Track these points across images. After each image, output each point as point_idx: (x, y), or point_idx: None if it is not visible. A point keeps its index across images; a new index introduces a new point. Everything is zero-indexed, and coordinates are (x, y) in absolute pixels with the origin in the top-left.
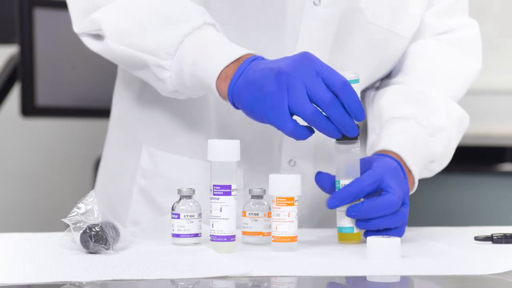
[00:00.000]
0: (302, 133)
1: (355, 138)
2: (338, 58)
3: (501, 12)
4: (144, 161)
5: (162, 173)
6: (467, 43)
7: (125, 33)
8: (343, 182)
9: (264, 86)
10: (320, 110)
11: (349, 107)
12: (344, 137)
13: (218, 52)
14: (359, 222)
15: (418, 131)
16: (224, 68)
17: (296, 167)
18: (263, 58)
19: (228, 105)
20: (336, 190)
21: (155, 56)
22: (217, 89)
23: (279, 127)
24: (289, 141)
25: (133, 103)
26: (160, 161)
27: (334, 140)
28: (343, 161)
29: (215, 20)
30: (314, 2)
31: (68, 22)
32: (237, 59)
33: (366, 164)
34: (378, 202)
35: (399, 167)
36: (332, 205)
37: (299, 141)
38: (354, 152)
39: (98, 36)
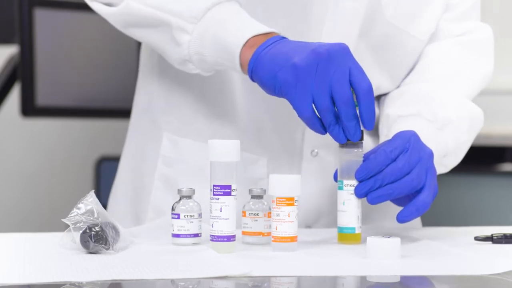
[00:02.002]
0: (316, 125)
1: (359, 141)
2: (357, 53)
3: (501, 12)
4: (165, 148)
5: (184, 160)
6: (480, 45)
7: None
8: (346, 182)
9: (294, 58)
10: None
11: (362, 113)
12: (348, 140)
13: (248, 24)
14: (373, 193)
15: (426, 126)
16: (252, 37)
17: (318, 157)
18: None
19: (254, 91)
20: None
21: (179, 17)
22: (240, 56)
23: (295, 105)
24: (312, 131)
25: (155, 89)
26: (181, 148)
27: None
28: (346, 161)
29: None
30: None
31: (68, 22)
32: (267, 33)
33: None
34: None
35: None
36: (362, 177)
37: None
38: (357, 153)
39: (110, 5)
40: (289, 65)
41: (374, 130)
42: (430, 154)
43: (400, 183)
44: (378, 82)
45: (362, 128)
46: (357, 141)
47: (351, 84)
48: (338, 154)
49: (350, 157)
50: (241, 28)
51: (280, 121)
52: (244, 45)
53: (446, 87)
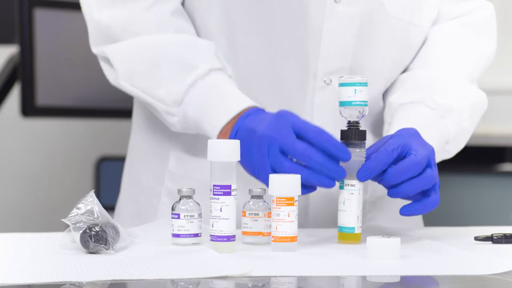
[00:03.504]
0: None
1: (361, 141)
2: (362, 55)
3: (501, 12)
4: (172, 165)
5: (191, 176)
6: (482, 24)
7: (136, 76)
8: (347, 181)
9: (249, 149)
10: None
11: (328, 151)
12: (350, 140)
13: (217, 108)
14: (390, 191)
15: (427, 113)
16: (223, 126)
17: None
18: (257, 111)
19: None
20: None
21: (162, 103)
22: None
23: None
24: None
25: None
26: (188, 165)
27: (340, 140)
28: (348, 161)
29: (238, 21)
30: (335, 0)
31: (68, 22)
32: (234, 116)
33: (385, 139)
34: (401, 164)
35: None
36: (364, 177)
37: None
38: (359, 153)
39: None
40: (249, 156)
41: (378, 122)
42: (432, 151)
43: (418, 180)
44: (388, 76)
45: (364, 128)
46: (359, 143)
47: (302, 139)
48: None
49: (352, 157)
50: (213, 116)
51: None
52: (219, 134)
53: (448, 72)
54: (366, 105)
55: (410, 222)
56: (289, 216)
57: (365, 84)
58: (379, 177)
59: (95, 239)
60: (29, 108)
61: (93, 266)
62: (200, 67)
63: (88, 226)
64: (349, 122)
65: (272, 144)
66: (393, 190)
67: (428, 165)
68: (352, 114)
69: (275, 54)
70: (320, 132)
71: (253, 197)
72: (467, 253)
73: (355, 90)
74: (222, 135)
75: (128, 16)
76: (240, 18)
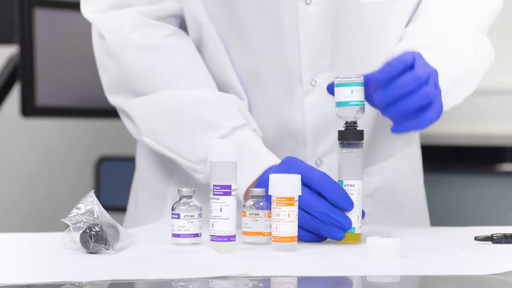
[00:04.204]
0: (307, 238)
1: (359, 141)
2: (344, 48)
3: (501, 12)
4: (177, 174)
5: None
6: None
7: (159, 133)
8: (346, 182)
9: None
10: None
11: (332, 200)
12: (348, 140)
13: (241, 169)
14: (386, 110)
15: (431, 55)
16: (248, 187)
17: (323, 165)
18: (275, 166)
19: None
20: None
21: (187, 160)
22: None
23: None
24: (313, 141)
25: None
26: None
27: (338, 141)
28: (346, 162)
29: (216, 33)
30: (305, 2)
31: (68, 22)
32: (258, 177)
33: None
34: (400, 79)
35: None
36: (381, 97)
37: (323, 142)
38: (357, 153)
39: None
40: None
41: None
42: (435, 72)
43: (413, 97)
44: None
45: (361, 128)
46: (356, 143)
47: (309, 187)
48: (338, 154)
49: (350, 157)
50: (240, 177)
51: (284, 135)
52: (244, 194)
53: (453, 21)
54: (363, 104)
55: (411, 221)
56: (289, 216)
57: (361, 84)
58: (378, 95)
59: (95, 239)
60: (29, 108)
61: (93, 266)
62: (224, 126)
63: (88, 226)
64: (346, 123)
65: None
66: (390, 109)
67: (426, 82)
68: (349, 115)
69: (257, 67)
70: (324, 177)
71: (253, 197)
72: (467, 253)
73: (351, 90)
74: (247, 195)
75: (147, 65)
76: (220, 34)
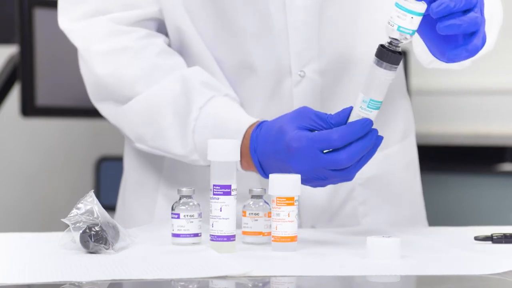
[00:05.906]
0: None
1: (396, 65)
2: (330, 36)
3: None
4: (166, 174)
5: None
6: None
7: (145, 137)
8: (370, 96)
9: (282, 161)
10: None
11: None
12: (388, 59)
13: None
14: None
15: None
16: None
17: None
18: (262, 123)
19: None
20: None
21: (181, 155)
22: (244, 169)
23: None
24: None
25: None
26: (181, 179)
27: (374, 56)
28: (378, 79)
29: (205, 36)
30: None
31: None
32: (244, 136)
33: None
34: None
35: None
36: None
37: None
38: (391, 74)
39: None
40: (284, 166)
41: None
42: (482, 1)
43: (469, 18)
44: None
45: (399, 50)
46: (396, 65)
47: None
48: (371, 69)
49: (381, 75)
50: (238, 120)
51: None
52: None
53: None
54: (414, 33)
55: (411, 221)
56: (289, 216)
57: (421, 14)
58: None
59: (95, 239)
60: (29, 108)
61: (93, 266)
62: (192, 110)
63: (88, 226)
64: (390, 43)
65: (304, 147)
66: (444, 21)
67: (479, 9)
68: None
69: (246, 62)
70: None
71: (253, 197)
72: (467, 253)
73: (412, 17)
74: (243, 161)
75: (114, 71)
76: (205, 30)
